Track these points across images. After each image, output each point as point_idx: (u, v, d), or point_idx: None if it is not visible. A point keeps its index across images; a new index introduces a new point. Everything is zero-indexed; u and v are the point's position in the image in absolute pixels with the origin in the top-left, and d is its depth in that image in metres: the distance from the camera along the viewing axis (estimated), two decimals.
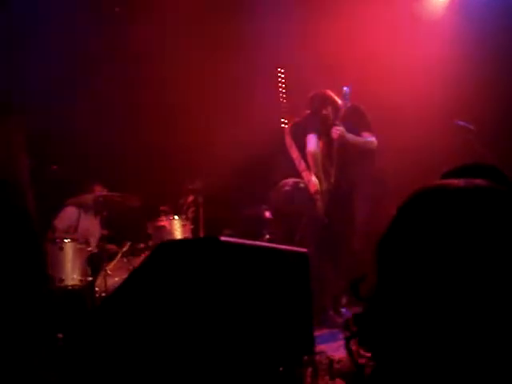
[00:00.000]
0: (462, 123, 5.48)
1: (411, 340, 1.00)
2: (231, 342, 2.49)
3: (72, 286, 5.57)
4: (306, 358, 2.85)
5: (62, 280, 5.50)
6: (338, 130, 5.72)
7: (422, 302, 1.00)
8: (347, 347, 1.14)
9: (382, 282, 1.07)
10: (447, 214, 1.02)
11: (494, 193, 1.03)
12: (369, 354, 1.09)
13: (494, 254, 0.97)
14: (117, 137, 7.27)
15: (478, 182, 1.05)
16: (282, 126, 7.41)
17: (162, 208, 6.11)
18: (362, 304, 1.11)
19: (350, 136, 5.79)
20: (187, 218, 6.16)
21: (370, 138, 5.87)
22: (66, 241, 5.64)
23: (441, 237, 1.00)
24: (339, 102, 5.87)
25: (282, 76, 8.64)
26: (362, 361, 1.12)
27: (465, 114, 5.54)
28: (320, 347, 3.76)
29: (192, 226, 6.13)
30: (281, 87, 8.60)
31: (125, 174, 6.87)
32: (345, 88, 5.85)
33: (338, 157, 5.75)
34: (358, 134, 5.86)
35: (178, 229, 5.96)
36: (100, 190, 6.20)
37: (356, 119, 5.88)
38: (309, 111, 6.04)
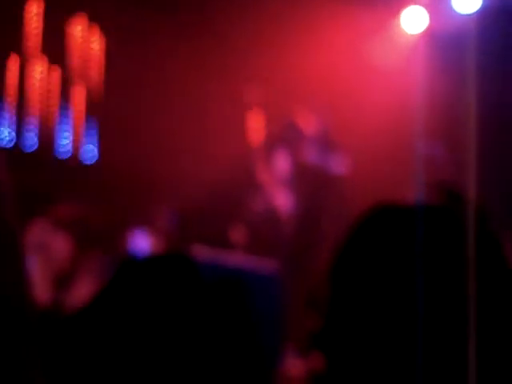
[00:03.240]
0: (430, 148, 5.56)
1: (364, 351, 1.03)
2: (203, 358, 2.49)
3: (41, 301, 5.51)
4: (276, 374, 2.86)
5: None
6: (307, 155, 5.76)
7: (372, 314, 1.02)
8: (303, 361, 1.16)
9: (336, 298, 1.09)
10: (393, 232, 1.05)
11: (437, 211, 1.07)
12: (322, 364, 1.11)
13: (438, 271, 1.00)
14: (88, 153, 7.25)
15: (431, 201, 1.09)
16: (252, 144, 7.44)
17: (134, 224, 6.10)
18: (317, 319, 1.14)
19: (320, 162, 5.83)
20: (160, 234, 6.15)
21: (339, 163, 5.92)
22: (34, 257, 5.57)
23: (387, 253, 1.04)
24: (309, 125, 5.93)
25: (256, 92, 8.66)
26: (316, 374, 1.14)
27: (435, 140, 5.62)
28: (288, 368, 3.77)
29: (165, 242, 6.12)
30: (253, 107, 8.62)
31: (98, 189, 6.84)
32: (315, 111, 5.90)
33: (308, 176, 5.80)
34: (327, 158, 5.90)
35: (148, 245, 5.94)
36: (71, 204, 6.17)
37: (325, 142, 5.94)
38: (276, 129, 6.09)
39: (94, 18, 7.54)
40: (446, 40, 6.33)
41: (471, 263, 1.00)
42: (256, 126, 8.65)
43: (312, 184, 5.79)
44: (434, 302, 0.99)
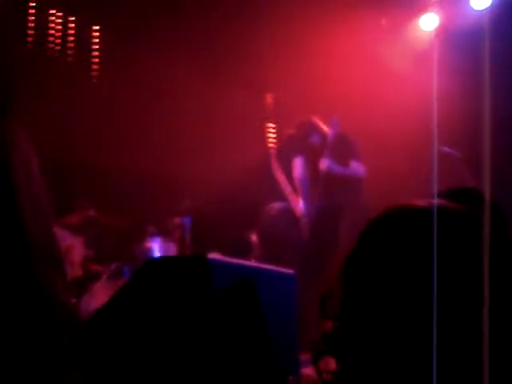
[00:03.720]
0: (447, 150, 5.54)
1: (376, 354, 1.02)
2: (216, 361, 2.48)
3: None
4: (290, 378, 2.85)
5: None
6: (325, 163, 5.74)
7: (385, 318, 1.01)
8: (315, 365, 1.16)
9: (348, 301, 1.09)
10: (406, 234, 1.05)
11: (452, 214, 1.06)
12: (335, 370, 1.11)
13: (451, 272, 0.99)
14: (104, 157, 7.28)
15: (440, 202, 1.08)
16: (269, 149, 7.45)
17: (148, 229, 6.11)
18: (330, 322, 1.13)
19: (337, 168, 5.81)
20: (174, 240, 6.15)
21: (358, 168, 5.90)
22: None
23: (399, 256, 1.03)
24: (326, 129, 5.91)
25: (270, 100, 8.69)
26: (328, 377, 1.13)
27: (451, 142, 5.59)
28: (304, 371, 3.75)
29: (178, 248, 6.12)
30: (269, 112, 8.64)
31: (112, 194, 6.85)
32: (333, 116, 5.88)
33: (324, 183, 5.78)
34: (346, 163, 5.87)
35: (164, 250, 5.94)
36: (87, 211, 6.17)
37: (344, 148, 5.91)
38: (293, 132, 6.08)
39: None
40: (460, 37, 6.30)
41: (486, 265, 0.99)
42: (273, 131, 8.68)
43: (329, 188, 5.76)
44: (448, 304, 0.98)
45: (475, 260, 1.02)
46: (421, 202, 1.11)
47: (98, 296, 5.61)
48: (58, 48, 7.52)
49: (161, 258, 5.16)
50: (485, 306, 0.95)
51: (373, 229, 1.12)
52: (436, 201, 1.10)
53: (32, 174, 1.78)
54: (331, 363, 1.14)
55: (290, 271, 3.63)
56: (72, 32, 7.59)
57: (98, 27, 7.77)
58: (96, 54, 7.79)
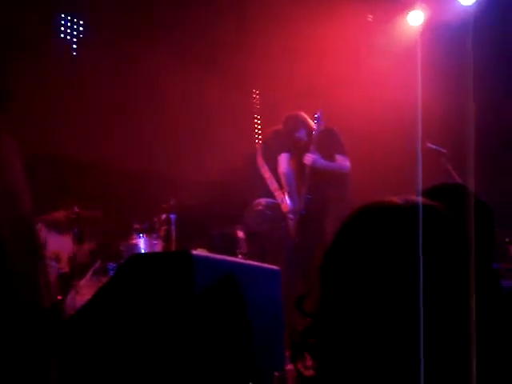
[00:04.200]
0: (433, 146, 5.55)
1: (352, 351, 1.02)
2: (198, 356, 2.48)
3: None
4: (276, 374, 2.84)
5: None
6: (310, 157, 5.73)
7: (361, 312, 1.01)
8: (293, 361, 1.15)
9: (326, 297, 1.08)
10: (380, 231, 1.05)
11: (428, 211, 1.05)
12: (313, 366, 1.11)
13: (427, 269, 0.99)
14: (89, 154, 7.25)
15: (416, 200, 1.08)
16: (255, 145, 7.48)
17: (134, 226, 6.09)
18: (308, 319, 1.13)
19: (323, 162, 5.80)
20: (159, 237, 6.13)
21: (344, 162, 5.90)
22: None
23: (374, 252, 1.03)
24: (312, 124, 5.91)
25: (257, 97, 8.71)
26: (308, 373, 1.13)
27: (437, 138, 5.60)
28: (291, 367, 3.75)
29: (164, 244, 6.10)
30: (255, 108, 8.67)
31: (97, 191, 6.83)
32: (317, 112, 5.87)
33: (309, 178, 5.77)
34: (332, 157, 5.87)
35: (149, 247, 5.92)
36: (72, 207, 6.13)
37: (329, 142, 5.90)
38: (279, 128, 6.07)
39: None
40: (447, 33, 6.32)
41: (472, 260, 0.98)
42: (260, 128, 8.69)
43: (315, 183, 5.76)
44: (424, 301, 0.98)
45: (453, 256, 1.02)
46: (398, 199, 1.10)
47: (84, 292, 5.60)
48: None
49: (144, 254, 5.15)
50: (469, 305, 0.95)
51: (348, 226, 1.12)
52: (414, 198, 1.10)
53: (11, 169, 1.76)
54: (309, 360, 1.14)
55: (274, 267, 3.64)
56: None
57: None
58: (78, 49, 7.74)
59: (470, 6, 6.58)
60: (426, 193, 1.21)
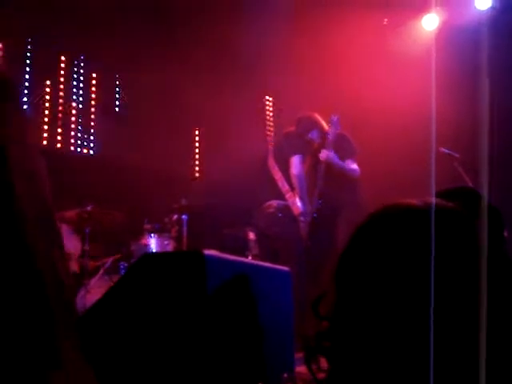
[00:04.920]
0: (446, 151, 5.52)
1: (369, 352, 1.01)
2: (209, 356, 2.48)
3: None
4: (285, 375, 2.84)
5: None
6: (325, 153, 5.72)
7: (377, 316, 1.01)
8: (307, 363, 1.15)
9: (341, 300, 1.08)
10: (400, 233, 1.04)
11: (446, 213, 1.05)
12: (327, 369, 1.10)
13: (447, 272, 0.98)
14: (103, 153, 7.28)
15: (434, 202, 1.07)
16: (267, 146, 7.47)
17: (145, 226, 6.11)
18: (323, 322, 1.13)
19: (337, 160, 5.80)
20: (171, 237, 6.15)
21: (354, 167, 5.89)
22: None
23: (392, 255, 1.02)
24: (326, 127, 5.89)
25: (270, 103, 8.72)
26: (321, 376, 1.13)
27: (451, 143, 5.58)
28: (300, 369, 3.74)
29: (175, 245, 6.11)
30: (268, 112, 8.68)
31: (110, 191, 6.85)
32: (333, 116, 5.86)
33: (321, 180, 5.76)
34: (343, 161, 5.86)
35: (161, 247, 5.94)
36: (85, 206, 6.15)
37: (341, 146, 5.89)
38: (292, 130, 6.07)
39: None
40: (462, 36, 6.28)
41: (484, 263, 0.98)
42: (272, 129, 8.69)
43: (327, 187, 5.74)
44: (443, 304, 0.97)
45: (470, 258, 1.01)
46: (415, 201, 1.10)
47: (94, 291, 5.61)
48: None
49: (155, 254, 5.15)
50: (482, 306, 0.94)
51: (365, 228, 1.11)
52: (431, 200, 1.09)
53: (32, 166, 1.77)
54: (324, 362, 1.14)
55: (285, 268, 3.63)
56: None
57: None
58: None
59: (485, 9, 6.55)
60: (438, 196, 1.20)
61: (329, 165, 5.74)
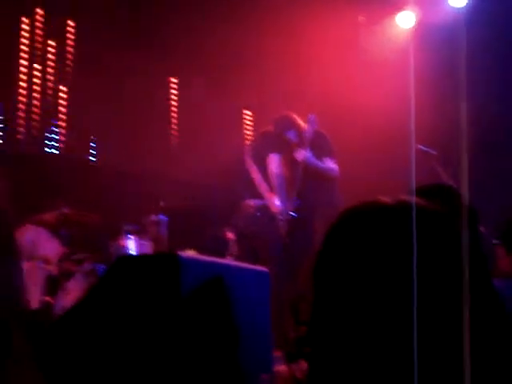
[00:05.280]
0: (424, 148, 5.55)
1: (347, 358, 1.00)
2: (185, 358, 2.47)
3: (29, 305, 5.47)
4: (264, 376, 2.83)
5: None
6: (302, 153, 5.73)
7: (355, 319, 1.00)
8: (288, 367, 1.15)
9: (318, 303, 1.07)
10: (371, 232, 1.03)
11: (419, 210, 1.04)
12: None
13: (422, 271, 0.98)
14: (79, 155, 7.24)
15: (407, 200, 1.06)
16: (244, 146, 7.49)
17: (124, 227, 6.07)
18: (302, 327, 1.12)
19: (314, 160, 5.80)
20: (149, 238, 6.12)
21: (332, 165, 5.89)
22: (22, 260, 5.55)
23: (364, 255, 1.01)
24: (303, 126, 5.90)
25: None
26: (300, 376, 1.12)
27: (428, 140, 5.60)
28: (279, 368, 3.74)
29: (154, 246, 6.09)
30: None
31: (87, 192, 6.81)
32: (311, 116, 5.86)
33: (299, 180, 5.76)
34: (320, 160, 5.87)
35: (139, 248, 5.91)
36: (62, 208, 6.10)
37: (319, 145, 5.89)
38: (269, 129, 6.07)
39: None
40: (437, 35, 6.32)
41: (465, 265, 0.97)
42: (250, 129, 8.70)
43: (304, 186, 5.75)
44: (421, 305, 0.96)
45: (441, 256, 1.01)
46: (388, 199, 1.09)
47: (72, 294, 5.57)
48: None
49: (131, 256, 5.14)
50: (464, 306, 0.94)
51: (337, 227, 1.10)
52: (404, 198, 1.09)
53: None
54: (304, 363, 1.13)
55: (263, 268, 3.63)
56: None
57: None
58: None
59: (461, 7, 6.59)
60: (415, 193, 1.19)
61: (306, 165, 5.74)
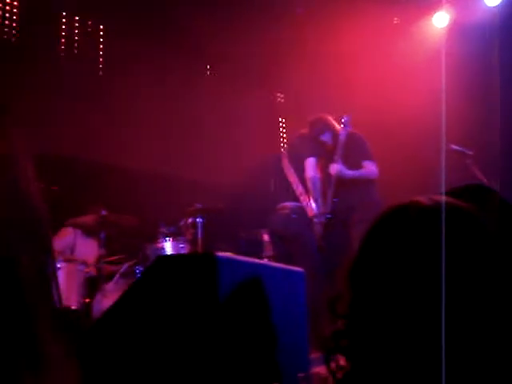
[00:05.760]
0: (458, 148, 5.51)
1: (385, 353, 1.02)
2: (223, 359, 2.49)
3: (69, 306, 5.55)
4: (301, 375, 2.85)
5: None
6: (335, 168, 5.70)
7: (392, 314, 1.01)
8: (327, 362, 1.16)
9: (356, 300, 1.09)
10: (410, 232, 1.04)
11: (455, 211, 1.05)
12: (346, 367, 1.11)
13: (459, 270, 0.99)
14: (117, 158, 7.31)
15: (443, 200, 1.07)
16: (281, 149, 7.48)
17: (161, 229, 6.12)
18: (340, 321, 1.14)
19: (348, 172, 5.76)
20: (186, 240, 6.16)
21: (371, 168, 5.85)
22: (61, 262, 5.64)
23: (404, 254, 1.03)
24: (338, 127, 5.89)
25: (282, 101, 8.71)
26: (340, 375, 1.14)
27: (464, 141, 5.56)
28: (316, 369, 3.74)
29: (190, 248, 6.12)
30: (280, 112, 8.68)
31: (125, 195, 6.88)
32: (344, 116, 5.85)
33: (336, 182, 5.75)
34: (359, 164, 5.83)
35: (176, 250, 5.95)
36: (100, 211, 6.17)
37: (356, 148, 5.86)
38: (305, 132, 6.06)
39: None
40: (473, 34, 6.26)
41: (496, 265, 0.98)
42: (286, 131, 8.69)
43: (341, 189, 5.73)
44: (455, 302, 0.98)
45: (481, 257, 1.01)
46: (425, 200, 1.10)
47: (111, 295, 5.64)
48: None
49: (169, 256, 5.17)
50: (496, 304, 0.95)
51: (376, 228, 1.12)
52: (441, 198, 1.10)
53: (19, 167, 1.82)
54: (342, 361, 1.14)
55: (298, 269, 3.64)
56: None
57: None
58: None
59: (495, 6, 6.53)
60: (449, 194, 1.20)
61: (340, 177, 5.71)
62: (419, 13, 7.39)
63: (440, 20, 7.19)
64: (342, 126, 5.82)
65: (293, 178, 6.09)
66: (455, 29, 6.86)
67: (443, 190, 1.24)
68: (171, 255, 5.40)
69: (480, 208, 1.10)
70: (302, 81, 7.53)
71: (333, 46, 7.01)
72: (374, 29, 7.21)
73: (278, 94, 8.78)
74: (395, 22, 7.75)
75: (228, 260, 2.71)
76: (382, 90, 7.11)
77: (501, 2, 6.55)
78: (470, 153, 5.53)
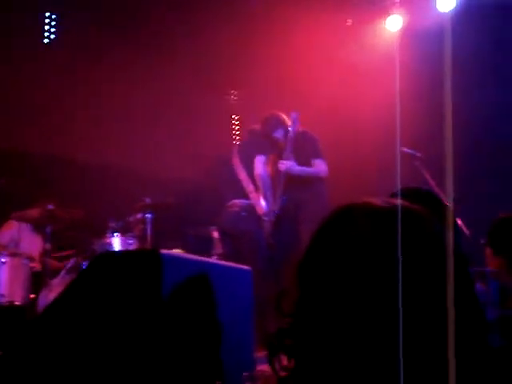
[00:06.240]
0: (408, 150, 5.57)
1: (332, 349, 1.01)
2: (168, 355, 2.47)
3: (13, 302, 5.44)
4: (246, 374, 2.84)
5: (2, 296, 5.37)
6: (284, 164, 5.70)
7: (339, 314, 1.01)
8: (270, 361, 1.15)
9: (304, 297, 1.08)
10: (361, 232, 1.04)
11: (407, 213, 1.05)
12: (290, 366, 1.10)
13: (410, 272, 0.99)
14: (67, 152, 7.21)
15: (396, 202, 1.07)
16: (231, 145, 7.48)
17: (109, 225, 6.04)
18: (285, 319, 1.13)
19: (297, 169, 5.77)
20: (135, 236, 6.09)
21: (320, 166, 5.86)
22: (5, 256, 5.53)
23: (352, 254, 1.02)
24: (289, 125, 5.89)
25: (235, 98, 8.72)
26: (283, 374, 1.13)
27: (412, 143, 5.62)
28: (262, 367, 3.74)
29: (139, 244, 6.06)
30: (232, 108, 8.68)
31: (73, 189, 6.78)
32: (293, 113, 5.85)
33: (285, 179, 5.76)
34: (308, 161, 5.84)
35: (124, 246, 5.88)
36: (47, 205, 6.06)
37: (307, 147, 5.87)
38: (256, 128, 6.05)
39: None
40: (425, 38, 6.34)
41: (450, 265, 0.98)
42: (237, 130, 8.70)
43: (290, 187, 5.74)
44: (403, 304, 0.97)
45: (428, 260, 1.01)
46: (376, 201, 1.10)
47: (57, 291, 5.54)
48: None
49: (113, 252, 5.11)
50: (447, 308, 0.94)
51: (326, 227, 1.11)
52: (394, 201, 1.10)
53: None
54: (285, 360, 1.13)
55: (246, 267, 3.63)
56: None
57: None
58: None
59: (448, 12, 6.61)
60: (396, 194, 1.20)
61: (290, 174, 5.72)
62: (373, 15, 7.46)
63: (393, 23, 7.26)
64: (291, 122, 5.81)
65: (243, 175, 6.08)
66: (407, 33, 6.94)
67: (397, 190, 1.24)
68: (114, 252, 5.33)
69: (427, 210, 1.10)
70: (257, 80, 7.54)
71: (286, 45, 7.03)
72: (328, 29, 7.24)
73: (232, 91, 8.77)
74: (348, 23, 7.80)
75: (173, 258, 2.69)
76: (336, 91, 7.15)
77: (454, 8, 6.65)
78: (419, 155, 5.61)
